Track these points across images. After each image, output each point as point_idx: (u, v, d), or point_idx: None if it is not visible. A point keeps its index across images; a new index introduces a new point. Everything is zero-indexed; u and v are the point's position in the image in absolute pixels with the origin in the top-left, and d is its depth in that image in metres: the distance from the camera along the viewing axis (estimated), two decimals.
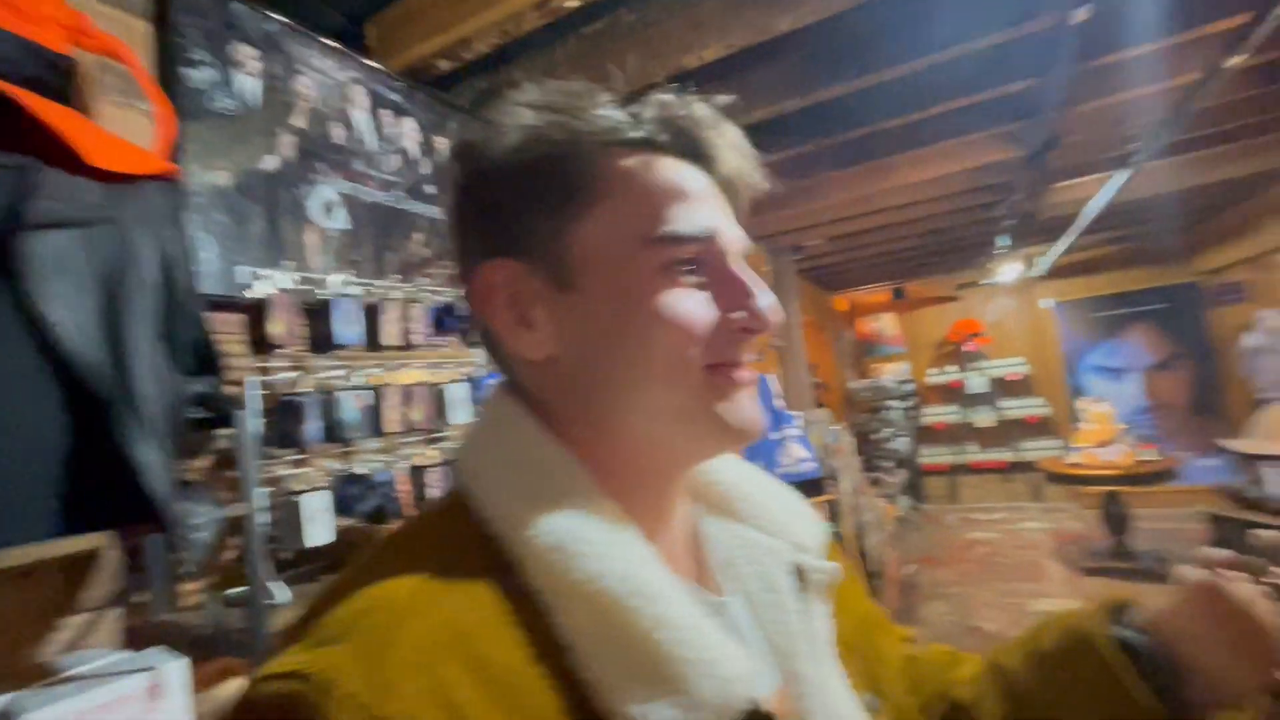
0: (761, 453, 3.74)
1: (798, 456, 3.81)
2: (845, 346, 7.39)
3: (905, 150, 2.93)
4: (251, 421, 1.05)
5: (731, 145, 0.43)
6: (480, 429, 0.43)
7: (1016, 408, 6.67)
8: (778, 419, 3.90)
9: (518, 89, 0.43)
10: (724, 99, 0.44)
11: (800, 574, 0.47)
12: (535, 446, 0.40)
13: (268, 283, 1.19)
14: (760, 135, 2.60)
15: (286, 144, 1.47)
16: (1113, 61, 2.20)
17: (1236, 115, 2.89)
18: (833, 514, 3.75)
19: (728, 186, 0.44)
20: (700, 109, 0.42)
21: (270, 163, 1.43)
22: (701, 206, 0.41)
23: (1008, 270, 5.58)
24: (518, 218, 0.41)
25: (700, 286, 0.40)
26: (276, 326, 1.13)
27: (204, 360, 1.05)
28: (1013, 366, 6.76)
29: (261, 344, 1.15)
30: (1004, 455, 6.65)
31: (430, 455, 1.42)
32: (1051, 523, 5.58)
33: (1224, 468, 4.61)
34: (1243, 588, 0.44)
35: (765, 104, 2.18)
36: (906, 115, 2.48)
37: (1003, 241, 4.44)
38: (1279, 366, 4.31)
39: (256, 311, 1.16)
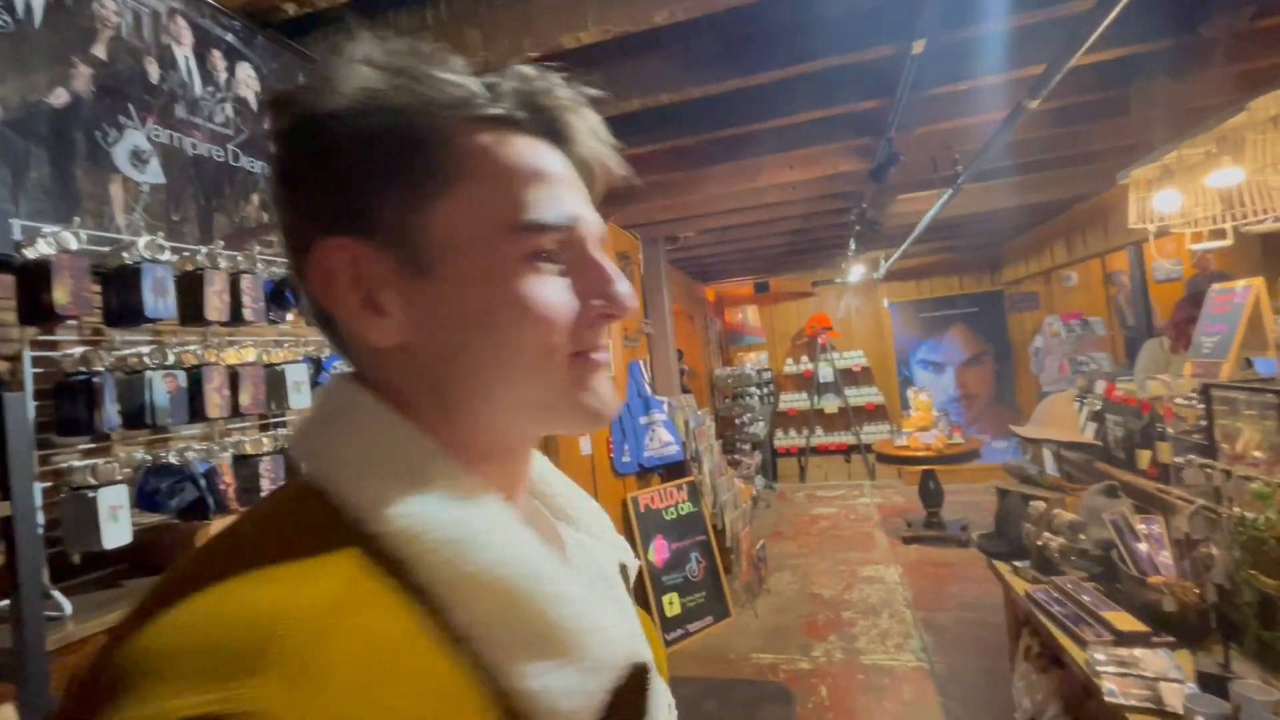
0: (630, 436, 3.83)
1: (664, 440, 3.95)
2: (712, 335, 7.75)
3: (773, 153, 3.11)
4: (24, 403, 0.89)
5: (590, 129, 0.42)
6: (328, 417, 0.39)
7: (857, 396, 7.41)
8: (647, 404, 4.02)
9: (354, 39, 0.38)
10: (586, 88, 0.42)
11: (623, 572, 0.52)
12: (398, 435, 0.37)
13: (49, 240, 1.00)
14: (638, 126, 2.64)
15: (81, 76, 1.25)
16: (941, 93, 2.49)
17: (1034, 151, 3.39)
18: (694, 494, 3.95)
19: (585, 170, 0.43)
20: (561, 88, 0.41)
21: (59, 97, 1.20)
22: (563, 192, 0.40)
23: (855, 271, 6.15)
24: (362, 192, 0.37)
25: (561, 274, 0.40)
26: (61, 293, 0.96)
27: None
28: (855, 358, 7.49)
29: (42, 313, 0.97)
30: (845, 438, 7.37)
31: (262, 443, 1.29)
32: (881, 498, 6.30)
33: (1013, 449, 5.48)
34: None
35: (641, 95, 2.21)
36: (774, 120, 2.63)
37: (852, 245, 4.88)
38: (1056, 365, 5.17)
39: (36, 274, 0.97)
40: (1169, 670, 1.49)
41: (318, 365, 1.42)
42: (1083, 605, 1.90)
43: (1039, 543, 2.35)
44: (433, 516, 0.34)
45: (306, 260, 0.38)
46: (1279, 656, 1.44)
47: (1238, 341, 2.09)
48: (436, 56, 0.38)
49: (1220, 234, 2.33)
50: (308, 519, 0.34)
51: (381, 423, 0.38)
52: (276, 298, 1.32)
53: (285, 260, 0.43)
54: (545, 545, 0.37)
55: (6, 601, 0.88)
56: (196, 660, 0.26)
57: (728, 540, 4.10)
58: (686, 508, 3.91)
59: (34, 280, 0.97)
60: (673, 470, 4.03)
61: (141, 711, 0.24)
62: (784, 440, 7.59)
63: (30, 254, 0.98)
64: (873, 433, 7.23)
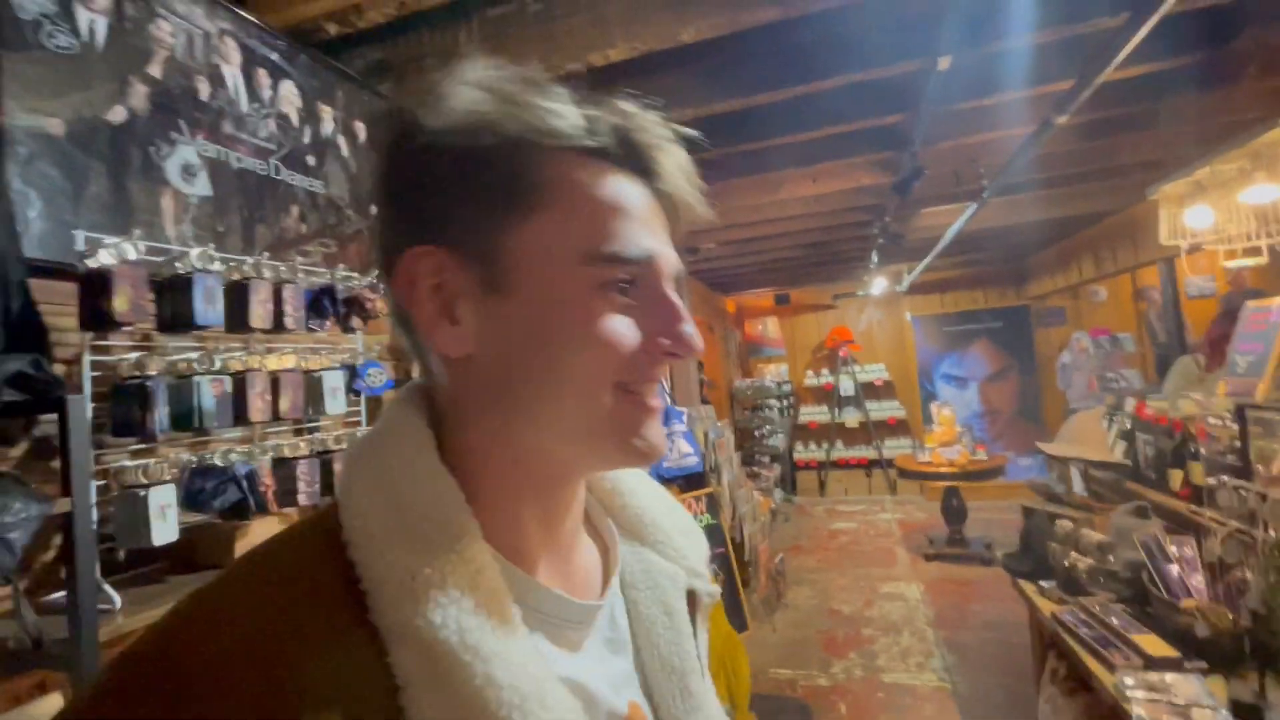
0: None
1: (683, 451, 3.95)
2: (732, 347, 7.74)
3: (794, 167, 3.12)
4: (84, 406, 0.94)
5: (679, 167, 0.43)
6: (370, 438, 0.41)
7: (878, 410, 7.33)
8: (666, 415, 4.03)
9: (465, 61, 0.40)
10: (679, 127, 0.44)
11: (692, 598, 0.50)
12: (417, 469, 0.38)
13: (111, 251, 1.05)
14: None
15: (138, 94, 1.31)
16: (968, 108, 2.49)
17: (1061, 165, 3.36)
18: (713, 506, 3.94)
19: (669, 206, 0.44)
20: (656, 126, 0.42)
21: (117, 114, 1.27)
22: (644, 228, 0.40)
23: (877, 284, 6.11)
24: (455, 206, 0.39)
25: (629, 308, 0.40)
26: (121, 301, 1.01)
27: (23, 334, 0.92)
28: (877, 372, 7.42)
29: (102, 320, 1.02)
30: (866, 453, 7.29)
31: (299, 447, 1.33)
32: (902, 514, 6.21)
33: (1039, 466, 5.37)
34: None
35: (666, 109, 2.24)
36: (796, 134, 2.65)
37: (874, 258, 4.86)
38: (1084, 381, 5.08)
39: (97, 283, 1.03)
40: (1201, 697, 1.46)
41: (353, 372, 1.47)
42: (1111, 628, 1.86)
43: (1066, 563, 2.31)
44: (405, 559, 0.35)
45: (396, 263, 0.40)
46: None
47: (1274, 360, 2.04)
48: (543, 85, 0.39)
49: (1255, 251, 2.29)
50: (309, 543, 0.37)
51: (405, 451, 0.39)
52: (315, 307, 1.37)
53: (375, 261, 0.45)
54: (509, 620, 0.36)
55: (61, 594, 0.93)
56: (173, 677, 0.30)
57: (746, 553, 4.08)
58: (705, 519, 3.90)
59: (94, 288, 1.02)
60: (691, 481, 4.02)
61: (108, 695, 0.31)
62: (804, 453, 7.53)
63: (92, 263, 1.03)
64: (894, 447, 7.13)
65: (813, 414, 7.65)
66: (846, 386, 7.40)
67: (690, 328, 0.42)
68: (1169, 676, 1.57)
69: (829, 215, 4.12)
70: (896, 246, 4.50)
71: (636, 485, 0.53)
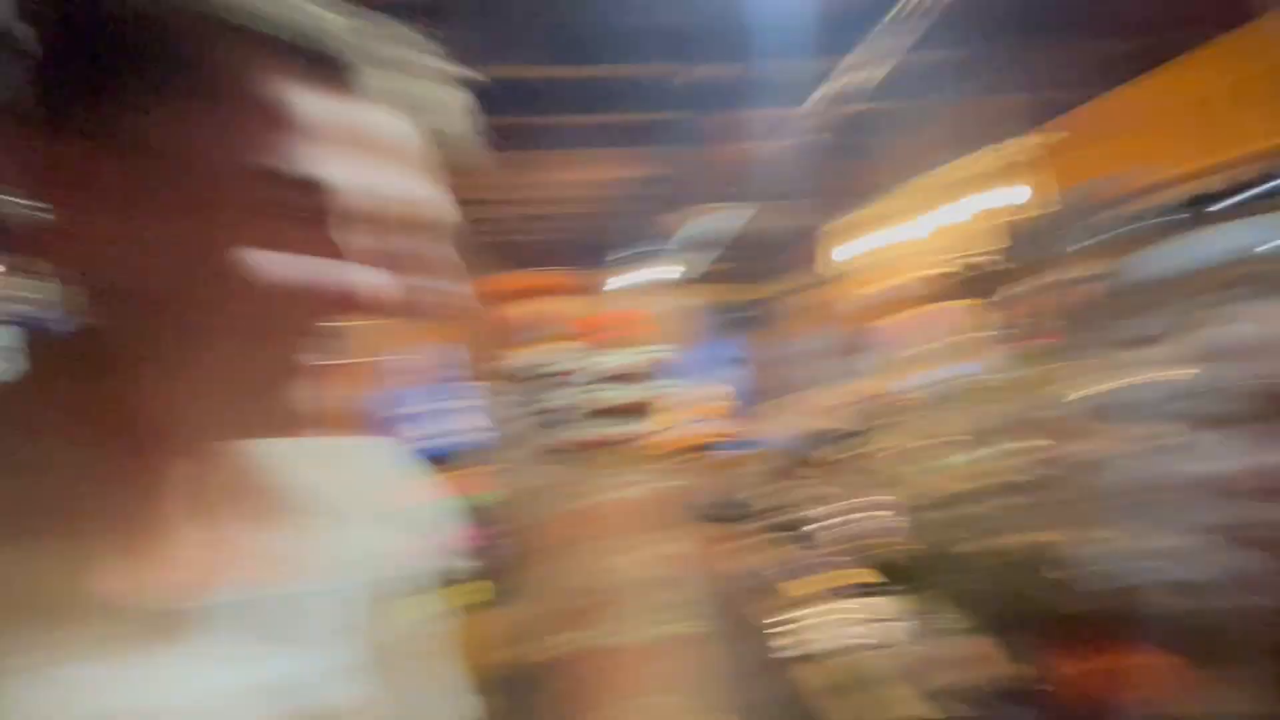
0: (426, 422, 3.61)
1: (464, 426, 3.81)
2: (506, 325, 7.63)
3: (569, 148, 3.16)
4: None
5: (432, 97, 0.36)
6: None
7: (643, 391, 7.91)
8: (437, 392, 3.82)
9: None
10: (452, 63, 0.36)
11: (379, 579, 0.44)
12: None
13: None
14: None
15: None
16: (723, 119, 2.78)
17: (790, 181, 3.92)
18: (485, 484, 3.85)
19: (436, 148, 0.36)
20: (360, 32, 0.33)
21: None
22: (338, 149, 0.32)
23: (645, 272, 6.56)
24: (99, 80, 0.30)
25: (307, 242, 0.32)
26: None
27: None
28: (640, 355, 8.01)
29: None
30: (632, 430, 7.81)
31: None
32: (667, 485, 6.76)
33: (776, 440, 6.33)
34: None
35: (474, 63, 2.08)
36: (571, 115, 2.68)
37: (641, 247, 5.19)
38: (807, 371, 6.14)
39: None
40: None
41: (29, 326, 1.08)
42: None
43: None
44: None
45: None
46: None
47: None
48: None
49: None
50: None
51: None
52: None
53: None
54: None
55: None
56: None
57: (525, 529, 4.09)
58: (487, 496, 3.83)
59: None
60: (471, 458, 3.89)
61: None
62: (578, 432, 7.78)
63: None
64: (657, 425, 7.76)
65: (585, 393, 7.93)
66: (611, 368, 7.83)
67: (367, 277, 0.34)
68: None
69: (597, 202, 4.27)
70: (663, 238, 4.87)
71: (293, 456, 0.44)
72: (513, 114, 2.61)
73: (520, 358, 7.33)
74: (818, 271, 5.46)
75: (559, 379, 7.55)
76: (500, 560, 3.62)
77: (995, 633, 1.68)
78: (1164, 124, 2.42)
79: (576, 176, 3.55)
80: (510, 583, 3.64)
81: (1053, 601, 1.54)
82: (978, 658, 1.63)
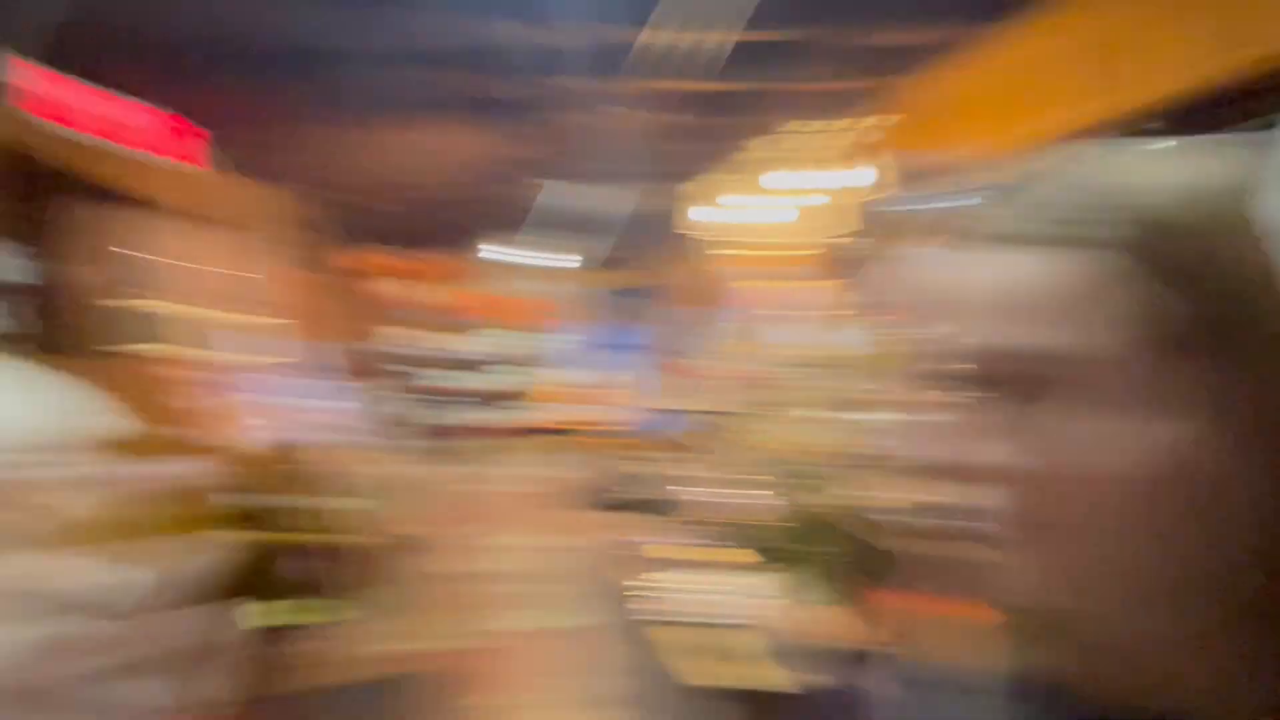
0: (270, 412, 3.17)
1: (327, 419, 3.41)
2: (361, 308, 7.04)
3: (414, 115, 2.87)
4: None
5: None
6: None
7: (520, 374, 7.64)
8: (310, 384, 3.40)
9: None
10: None
11: None
12: None
13: None
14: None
15: None
16: (587, 87, 2.63)
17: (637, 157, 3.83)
18: (361, 475, 3.48)
19: None
20: None
21: None
22: None
23: (518, 252, 6.28)
24: None
25: None
26: None
27: None
28: (519, 339, 7.72)
29: None
30: (511, 418, 7.53)
31: None
32: (550, 473, 6.57)
33: (656, 422, 6.32)
34: None
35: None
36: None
37: (511, 227, 4.93)
38: (686, 351, 6.20)
39: None
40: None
41: None
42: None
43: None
44: None
45: None
46: None
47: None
48: None
49: None
50: None
51: None
52: None
53: None
54: None
55: None
56: None
57: (373, 528, 3.75)
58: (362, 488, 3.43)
59: None
60: (346, 449, 3.48)
61: None
62: (445, 420, 7.36)
63: None
64: (538, 411, 7.53)
65: (453, 379, 7.53)
66: (486, 351, 7.48)
67: None
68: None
69: (454, 176, 3.96)
70: (531, 218, 4.65)
71: None
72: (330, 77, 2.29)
73: (393, 340, 6.79)
74: (685, 252, 5.50)
75: (438, 363, 7.10)
76: (373, 556, 3.32)
77: (850, 597, 1.73)
78: (986, 102, 2.59)
79: (432, 146, 3.24)
80: (386, 578, 3.34)
81: (876, 558, 1.61)
82: (831, 624, 1.66)
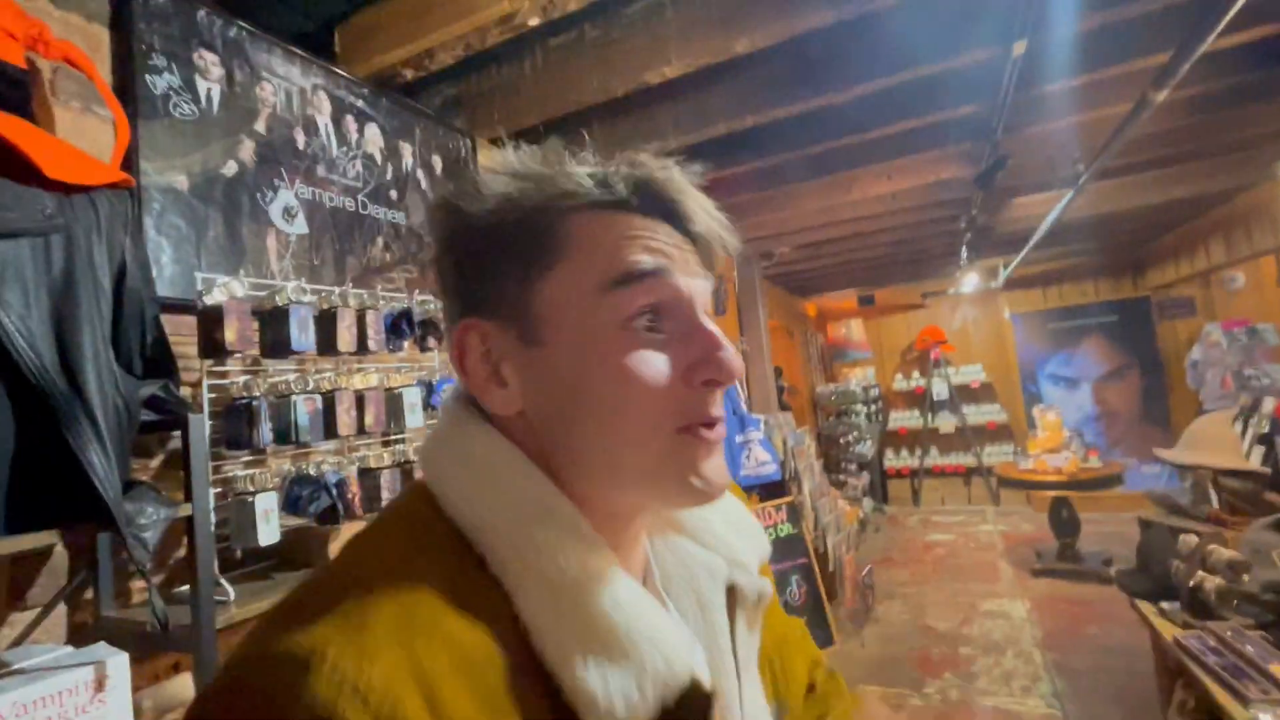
0: (726, 456, 3.81)
1: (759, 459, 3.90)
2: (814, 351, 7.53)
3: (866, 165, 3.03)
4: (204, 423, 1.08)
5: (701, 206, 0.44)
6: (446, 437, 0.44)
7: (977, 414, 6.88)
8: (743, 422, 4.00)
9: (505, 152, 0.45)
10: (694, 169, 0.45)
11: (732, 591, 0.49)
12: (503, 458, 0.41)
13: (222, 288, 1.21)
14: (725, 149, 2.69)
15: (247, 149, 1.50)
16: (1052, 90, 2.33)
17: (1172, 142, 3.05)
18: (794, 515, 3.85)
19: (702, 246, 0.44)
20: (668, 170, 0.43)
21: (230, 168, 1.46)
22: (660, 252, 0.42)
23: (969, 281, 5.76)
24: (492, 277, 0.42)
25: (661, 345, 0.41)
26: (230, 332, 1.16)
27: (157, 363, 1.08)
28: (973, 374, 6.97)
29: (216, 349, 1.18)
30: (964, 460, 6.85)
31: (383, 458, 1.46)
32: (1006, 525, 5.77)
33: (1170, 475, 4.84)
34: None
35: (726, 119, 2.25)
36: (865, 133, 2.57)
37: (964, 254, 4.59)
38: (1218, 379, 4.53)
39: (212, 316, 1.19)
40: None
41: (429, 388, 1.59)
42: (1245, 656, 1.66)
43: (1191, 583, 2.08)
44: (515, 515, 0.38)
45: (452, 340, 0.44)
46: None
47: None
48: (559, 156, 0.43)
49: None
50: (414, 518, 0.40)
51: (491, 447, 0.42)
52: (395, 329, 1.50)
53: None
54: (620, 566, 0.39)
55: (187, 587, 1.07)
56: (299, 616, 0.32)
57: (830, 564, 3.95)
58: (785, 529, 3.82)
59: (209, 321, 1.18)
60: (771, 490, 3.95)
61: (253, 645, 0.33)
62: (895, 461, 7.19)
63: (208, 299, 1.19)
64: (994, 454, 6.66)
65: (903, 419, 7.29)
66: (940, 390, 6.99)
67: (727, 353, 0.42)
68: None
69: (910, 212, 3.94)
70: (987, 240, 4.24)
71: None
72: (804, 145, 2.64)
73: (830, 385, 7.15)
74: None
75: (878, 404, 7.11)
76: (795, 596, 3.58)
77: None
78: None
79: (880, 191, 3.36)
80: (813, 620, 3.55)
81: None
82: None
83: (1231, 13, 1.42)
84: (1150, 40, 2.04)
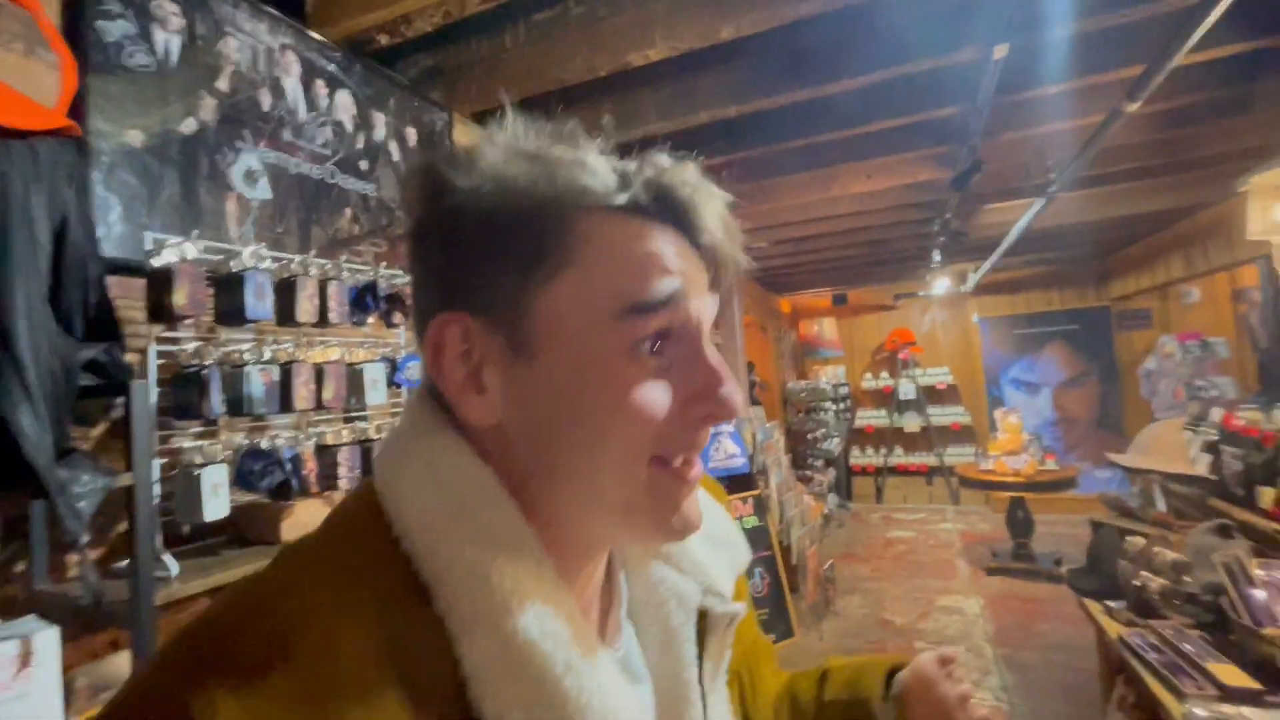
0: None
1: (728, 452, 3.92)
2: (786, 347, 7.60)
3: (846, 162, 3.05)
4: (148, 391, 1.03)
5: (718, 218, 0.41)
6: (405, 440, 0.40)
7: (941, 415, 7.03)
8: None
9: (499, 123, 0.39)
10: (714, 184, 0.41)
11: (704, 616, 0.47)
12: (468, 473, 0.37)
13: (174, 250, 1.15)
14: (706, 138, 2.67)
15: (208, 107, 1.43)
16: (1029, 97, 2.36)
17: (1142, 156, 3.13)
18: (760, 508, 3.89)
19: (710, 259, 0.41)
20: (693, 177, 0.39)
21: (189, 125, 1.38)
22: (676, 278, 0.38)
23: (940, 284, 5.86)
24: (482, 270, 0.37)
25: (664, 373, 0.38)
26: (180, 296, 1.11)
27: (100, 325, 1.02)
28: (940, 376, 7.11)
29: (164, 313, 1.12)
30: (927, 459, 7.00)
31: (342, 435, 1.41)
32: (965, 524, 5.93)
33: (1120, 479, 5.01)
34: (951, 690, 0.52)
35: (710, 108, 2.23)
36: (847, 129, 2.58)
37: (936, 257, 4.66)
38: (1170, 389, 4.69)
39: (161, 279, 1.13)
40: None
41: (393, 365, 1.54)
42: (1184, 654, 1.72)
43: (1136, 583, 2.15)
44: (473, 550, 0.34)
45: (425, 333, 0.38)
46: None
47: None
48: (574, 141, 0.38)
49: None
50: (360, 535, 0.36)
51: (454, 461, 0.38)
52: (359, 303, 1.45)
53: (413, 325, 0.43)
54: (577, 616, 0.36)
55: (126, 561, 1.02)
56: (230, 652, 0.30)
57: (794, 558, 4.00)
58: (751, 521, 3.86)
59: (158, 283, 1.12)
60: (738, 483, 3.99)
61: (168, 680, 0.29)
62: (860, 458, 7.31)
63: (157, 261, 1.13)
64: (957, 454, 6.82)
65: (870, 418, 7.41)
66: (907, 390, 7.12)
67: (729, 389, 0.39)
68: (1246, 710, 1.44)
69: (887, 212, 3.98)
70: (959, 244, 4.31)
71: None
72: (785, 139, 2.64)
73: (801, 381, 7.23)
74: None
75: (847, 402, 7.21)
76: (758, 588, 3.62)
77: None
78: None
79: (859, 189, 3.38)
80: (775, 612, 3.60)
81: None
82: None
83: (1204, 28, 1.45)
84: (1128, 52, 2.08)
